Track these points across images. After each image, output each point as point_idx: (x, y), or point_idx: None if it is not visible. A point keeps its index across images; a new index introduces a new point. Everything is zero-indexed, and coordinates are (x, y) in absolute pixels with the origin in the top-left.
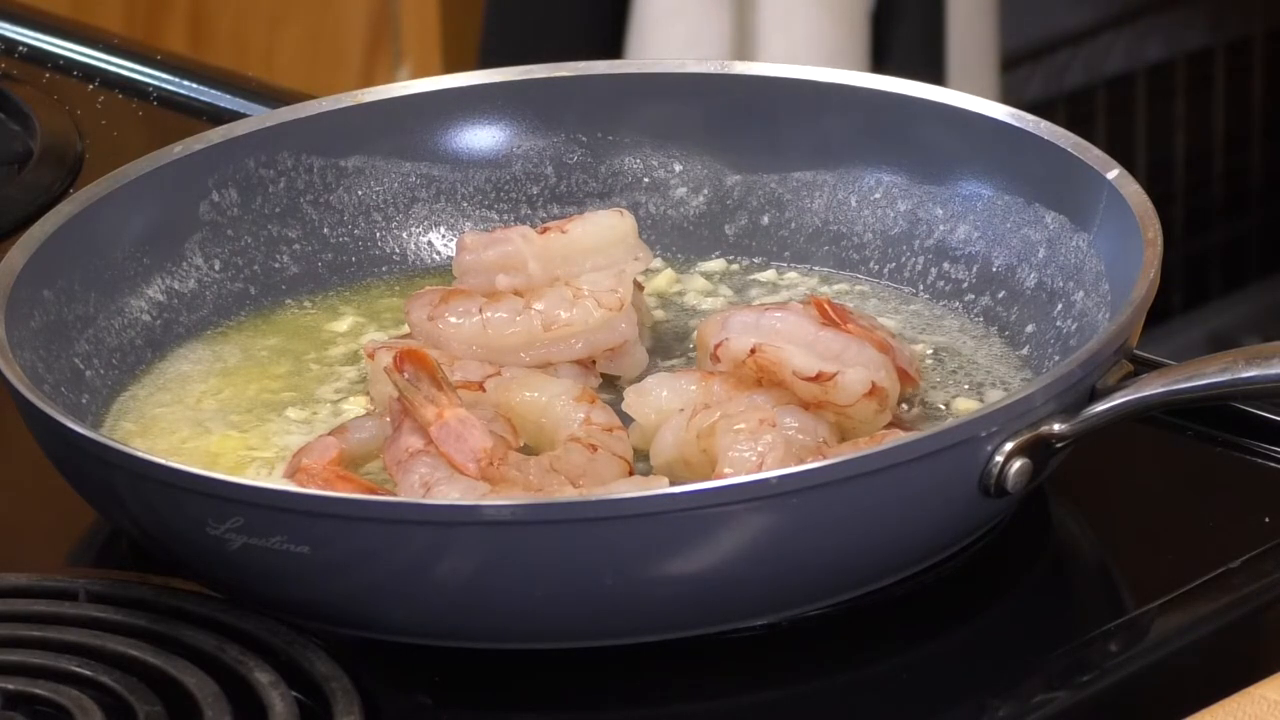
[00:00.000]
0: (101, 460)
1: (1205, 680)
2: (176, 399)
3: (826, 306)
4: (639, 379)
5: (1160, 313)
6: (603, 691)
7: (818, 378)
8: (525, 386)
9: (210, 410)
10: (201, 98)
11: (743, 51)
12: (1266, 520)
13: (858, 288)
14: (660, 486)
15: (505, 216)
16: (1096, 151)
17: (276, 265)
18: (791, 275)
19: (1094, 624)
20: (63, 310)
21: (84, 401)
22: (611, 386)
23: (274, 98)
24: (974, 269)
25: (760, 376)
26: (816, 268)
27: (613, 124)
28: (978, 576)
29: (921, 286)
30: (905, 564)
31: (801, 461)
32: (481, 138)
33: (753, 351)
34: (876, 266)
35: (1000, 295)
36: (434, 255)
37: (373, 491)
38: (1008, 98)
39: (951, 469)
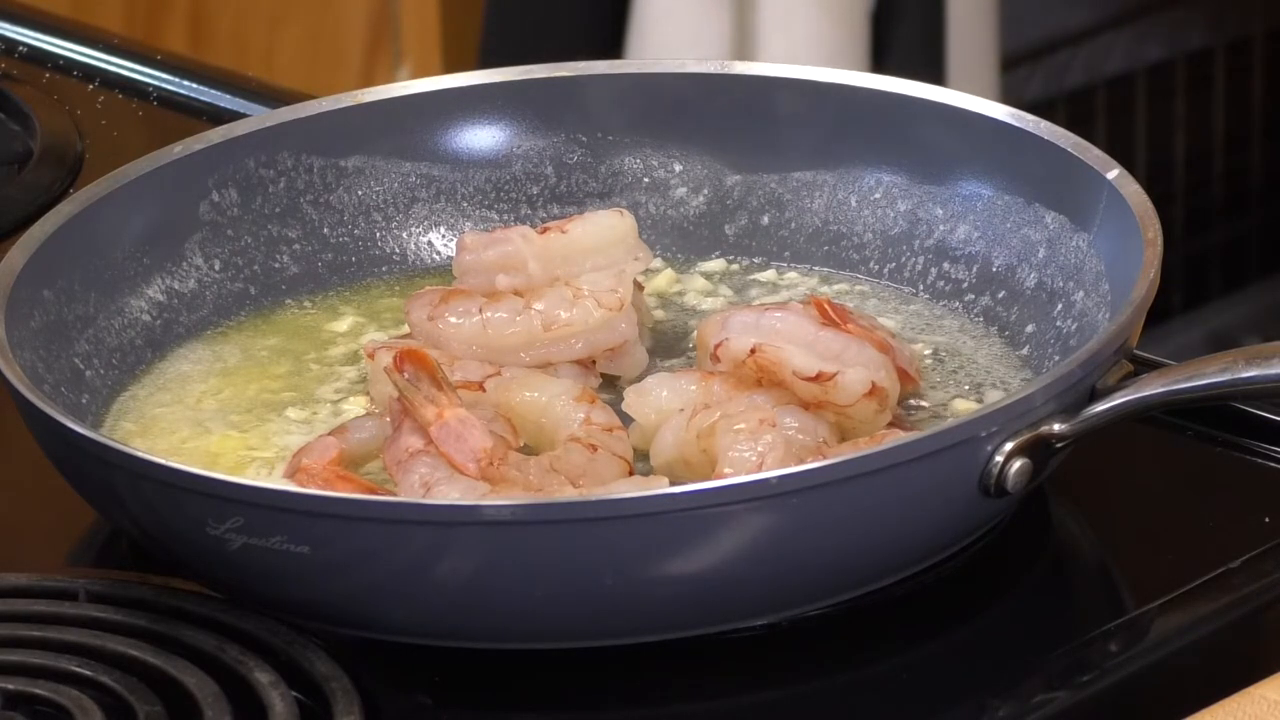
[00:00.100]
0: (101, 460)
1: (1205, 680)
2: (176, 399)
3: (826, 306)
4: (639, 379)
5: (1160, 313)
6: (603, 691)
7: (818, 378)
8: (525, 386)
9: (210, 410)
10: (201, 98)
11: (743, 51)
12: (1266, 520)
13: (858, 288)
14: (660, 486)
15: (505, 216)
16: (1096, 151)
17: (276, 265)
18: (791, 275)
19: (1094, 624)
20: (63, 310)
21: (84, 401)
22: (611, 386)
23: (274, 98)
24: (974, 269)
25: (760, 376)
26: (816, 268)
27: (613, 124)
28: (978, 576)
29: (921, 286)
30: (905, 564)
31: (801, 461)
32: (481, 138)
33: (753, 351)
34: (876, 266)
35: (1000, 295)
36: (434, 255)
37: (373, 491)
38: (1008, 98)
39: (951, 469)
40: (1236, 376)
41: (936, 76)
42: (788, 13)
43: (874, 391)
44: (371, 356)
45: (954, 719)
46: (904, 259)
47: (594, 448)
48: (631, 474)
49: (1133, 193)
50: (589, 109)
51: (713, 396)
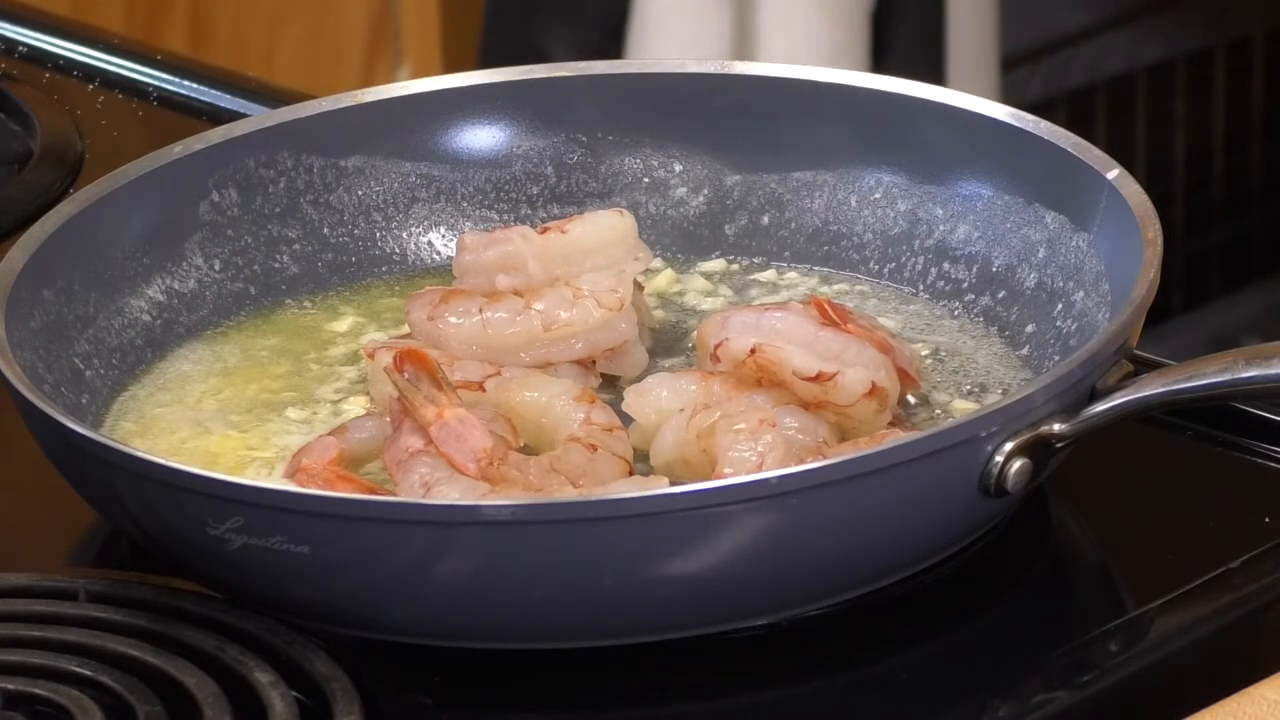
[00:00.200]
0: (101, 460)
1: (1205, 680)
2: (176, 399)
3: (826, 306)
4: (639, 379)
5: (1160, 313)
6: (603, 691)
7: (818, 378)
8: (525, 386)
9: (210, 410)
10: (201, 98)
11: (743, 51)
12: (1266, 520)
13: (858, 288)
14: (660, 486)
15: (505, 216)
16: (1096, 151)
17: (276, 265)
18: (791, 275)
19: (1094, 624)
20: (63, 310)
21: (84, 401)
22: (611, 386)
23: (274, 98)
24: (974, 269)
25: (760, 376)
26: (816, 268)
27: (613, 124)
28: (978, 576)
29: (921, 286)
30: (905, 564)
31: (801, 461)
32: (481, 138)
33: (753, 351)
34: (876, 266)
35: (1000, 295)
36: (434, 255)
37: (373, 491)
38: (1008, 98)
39: (951, 469)
40: (1236, 376)
41: (936, 76)
42: (788, 13)
43: (874, 391)
44: (371, 356)
45: (954, 719)
46: (904, 259)
47: (594, 448)
48: (631, 474)
49: (1133, 193)
50: (589, 109)
51: (713, 396)
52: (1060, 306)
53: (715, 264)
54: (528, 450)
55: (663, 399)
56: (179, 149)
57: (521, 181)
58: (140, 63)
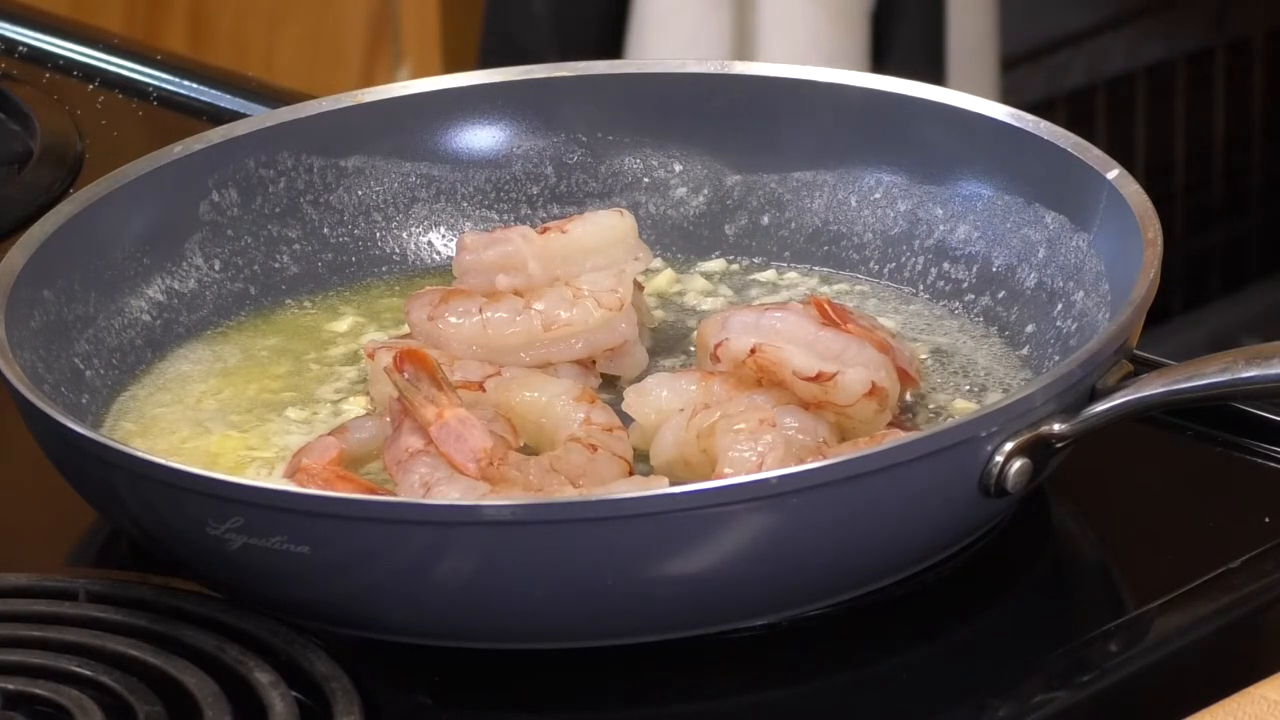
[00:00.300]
0: (101, 460)
1: (1205, 680)
2: (176, 399)
3: (826, 306)
4: (639, 379)
5: (1160, 313)
6: (603, 691)
7: (818, 378)
8: (525, 386)
9: (210, 410)
10: (201, 98)
11: (743, 51)
12: (1266, 520)
13: (858, 288)
14: (660, 486)
15: (505, 216)
16: (1096, 151)
17: (276, 265)
18: (791, 275)
19: (1094, 624)
20: (63, 310)
21: (84, 401)
22: (611, 386)
23: (274, 98)
24: (974, 269)
25: (760, 376)
26: (816, 268)
27: (613, 124)
28: (978, 576)
29: (921, 286)
30: (905, 564)
31: (801, 461)
32: (481, 138)
33: (753, 351)
34: (876, 266)
35: (1000, 295)
36: (434, 255)
37: (373, 491)
38: (1008, 98)
39: (951, 469)
40: (1236, 376)
41: (936, 76)
42: (788, 13)
43: (874, 391)
44: (371, 356)
45: (954, 719)
46: (904, 259)
47: (594, 448)
48: (631, 474)
49: (1133, 193)
50: (589, 109)
51: (713, 396)
52: (1060, 306)
53: (715, 264)
54: (528, 450)
55: (663, 399)
56: (179, 149)
57: (521, 181)
58: (140, 63)
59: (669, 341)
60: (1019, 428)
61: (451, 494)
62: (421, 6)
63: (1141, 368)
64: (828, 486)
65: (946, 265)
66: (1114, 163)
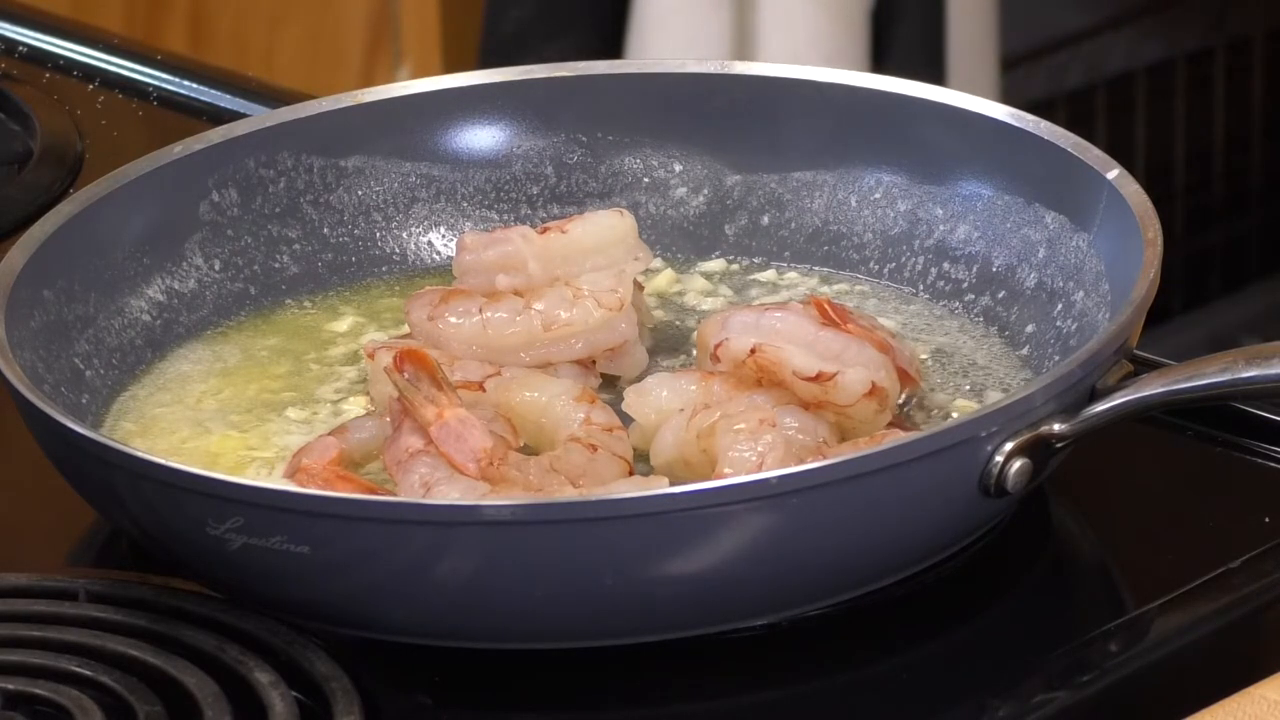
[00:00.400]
0: (101, 460)
1: (1205, 680)
2: (176, 399)
3: (826, 306)
4: (639, 379)
5: (1160, 313)
6: (603, 691)
7: (818, 378)
8: (525, 386)
9: (210, 410)
10: (201, 98)
11: (743, 51)
12: (1266, 520)
13: (858, 288)
14: (660, 486)
15: (505, 216)
16: (1096, 151)
17: (276, 265)
18: (791, 275)
19: (1094, 624)
20: (63, 310)
21: (84, 401)
22: (611, 386)
23: (274, 98)
24: (974, 269)
25: (760, 376)
26: (816, 268)
27: (613, 124)
28: (978, 576)
29: (921, 286)
30: (905, 564)
31: (801, 461)
32: (481, 138)
33: (753, 351)
34: (876, 266)
35: (1000, 295)
36: (434, 255)
37: (373, 491)
38: (1008, 98)
39: (951, 469)
40: (1236, 376)
41: (936, 76)
42: (788, 12)
43: (874, 391)
44: (371, 356)
45: (954, 719)
46: (904, 259)
47: (594, 448)
48: (631, 474)
49: (1133, 193)
50: (589, 109)
51: (713, 396)
52: (1060, 306)
53: (715, 264)
54: (528, 450)
55: (663, 399)
56: (179, 149)
57: (521, 181)
58: (140, 63)
59: (669, 341)
60: (1019, 428)
61: (451, 494)
62: (421, 6)
63: (1141, 368)
64: (828, 486)
65: (946, 265)
66: (1114, 163)
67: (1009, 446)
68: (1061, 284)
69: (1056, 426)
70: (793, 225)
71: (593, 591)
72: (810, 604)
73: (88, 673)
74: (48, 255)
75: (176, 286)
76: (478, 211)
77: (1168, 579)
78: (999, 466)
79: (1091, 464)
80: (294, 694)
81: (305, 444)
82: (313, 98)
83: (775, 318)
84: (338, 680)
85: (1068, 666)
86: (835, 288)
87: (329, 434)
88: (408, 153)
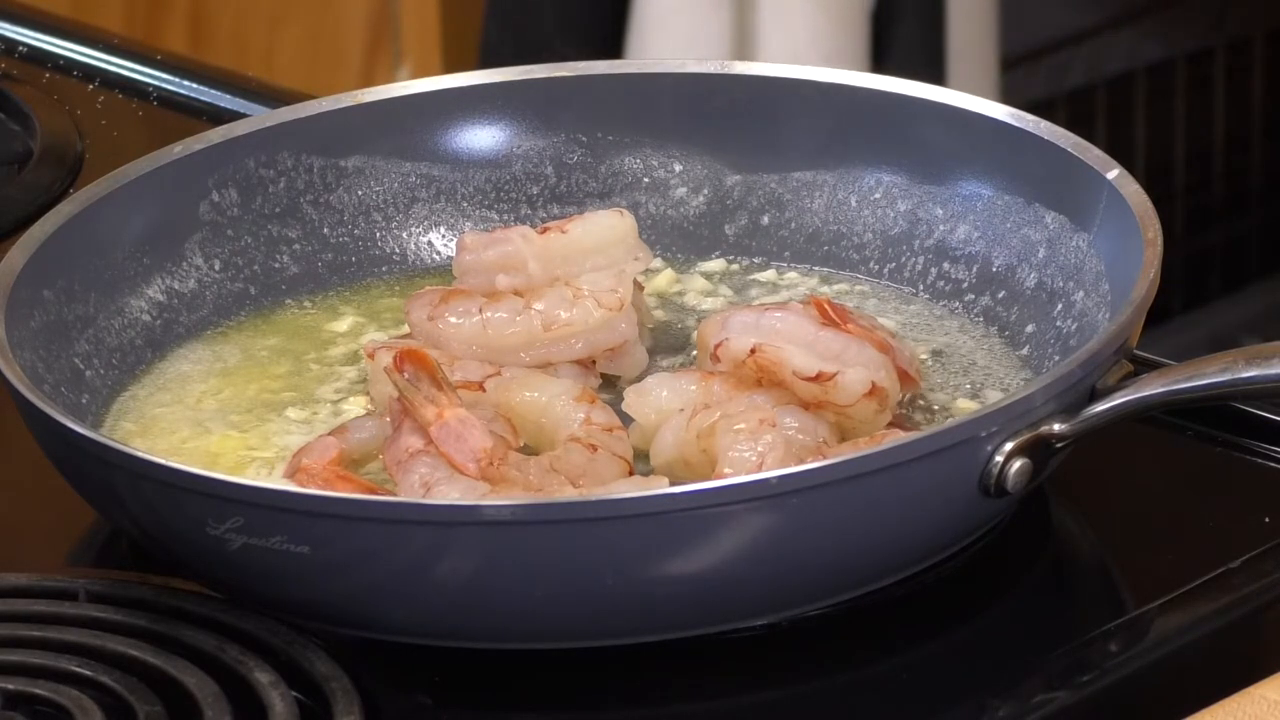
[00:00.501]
0: (101, 460)
1: (1205, 680)
2: (176, 399)
3: (826, 306)
4: (639, 379)
5: (1160, 313)
6: (603, 691)
7: (818, 378)
8: (525, 386)
9: (210, 410)
10: (201, 98)
11: (743, 51)
12: (1266, 520)
13: (858, 288)
14: (660, 486)
15: (505, 216)
16: (1096, 151)
17: (276, 265)
18: (791, 275)
19: (1094, 624)
20: (63, 310)
21: (84, 401)
22: (611, 386)
23: (274, 98)
24: (974, 269)
25: (760, 376)
26: (816, 268)
27: (613, 124)
28: (978, 576)
29: (921, 286)
30: (905, 564)
31: (801, 461)
32: (481, 138)
33: (753, 351)
34: (876, 266)
35: (1000, 295)
36: (434, 255)
37: (373, 491)
38: (1008, 98)
39: (951, 469)
40: (1236, 376)
41: (936, 76)
42: (788, 12)
43: (874, 391)
44: (371, 356)
45: (954, 719)
46: (904, 259)
47: (594, 448)
48: (631, 474)
49: (1133, 193)
50: (589, 109)
51: (713, 396)
52: (1060, 306)
53: (715, 264)
54: (528, 450)
55: (663, 399)
56: (179, 149)
57: (521, 181)
58: (140, 63)
59: (669, 341)
60: (1019, 428)
61: (451, 494)
62: (421, 6)
63: (1141, 368)
64: (828, 486)
65: (946, 265)
66: (1114, 163)
67: (1009, 446)
68: (1061, 284)
69: (1056, 426)
70: (793, 225)
71: (593, 591)
72: (810, 604)
73: (88, 673)
74: (48, 255)
75: (176, 286)
76: (478, 211)
77: (1168, 579)
78: (999, 466)
79: (1091, 464)
80: (294, 694)
81: (305, 444)
82: (313, 98)
83: (775, 318)
84: (338, 680)
85: (1068, 666)
86: (835, 288)
87: (329, 434)
88: (408, 153)
